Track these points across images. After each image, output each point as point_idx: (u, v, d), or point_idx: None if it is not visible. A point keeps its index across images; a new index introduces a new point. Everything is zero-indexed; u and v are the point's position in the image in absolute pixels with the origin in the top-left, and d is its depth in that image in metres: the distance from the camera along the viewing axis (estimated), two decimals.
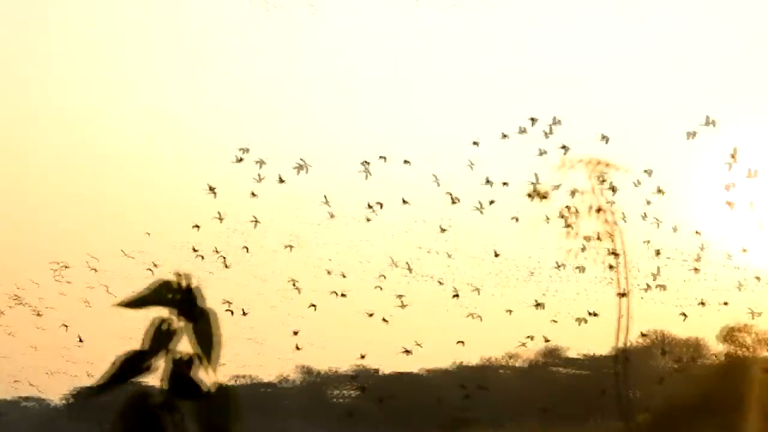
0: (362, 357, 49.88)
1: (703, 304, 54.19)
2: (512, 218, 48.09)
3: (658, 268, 52.25)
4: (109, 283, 59.76)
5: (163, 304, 2.26)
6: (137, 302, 2.25)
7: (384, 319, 56.24)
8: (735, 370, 60.43)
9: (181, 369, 2.25)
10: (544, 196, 37.76)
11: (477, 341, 75.41)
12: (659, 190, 48.88)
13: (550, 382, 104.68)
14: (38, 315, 64.82)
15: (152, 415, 2.27)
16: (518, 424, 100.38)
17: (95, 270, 61.24)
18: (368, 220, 48.80)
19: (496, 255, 53.96)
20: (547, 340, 63.06)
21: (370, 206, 47.50)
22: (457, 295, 53.01)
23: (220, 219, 50.58)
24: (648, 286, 52.58)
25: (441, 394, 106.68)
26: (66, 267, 61.96)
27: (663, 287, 53.00)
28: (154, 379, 2.26)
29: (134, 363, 2.25)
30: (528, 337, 60.15)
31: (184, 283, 2.26)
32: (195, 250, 55.85)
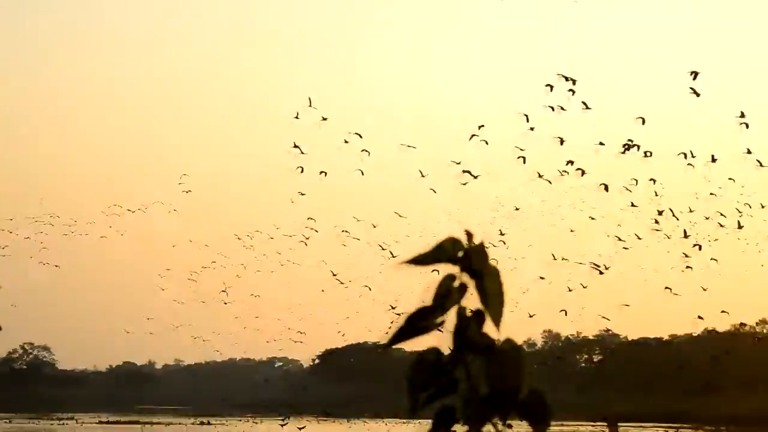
0: (607, 320, 48.94)
1: None
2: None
3: None
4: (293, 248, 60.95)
5: (448, 261, 2.29)
6: (422, 259, 2.29)
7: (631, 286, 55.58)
8: None
9: (466, 325, 2.29)
10: None
11: (724, 307, 73.32)
12: None
13: None
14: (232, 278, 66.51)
15: (440, 372, 2.31)
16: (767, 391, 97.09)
17: (272, 238, 62.63)
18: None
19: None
20: None
21: None
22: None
23: None
24: None
25: (688, 359, 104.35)
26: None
27: None
28: (441, 335, 2.30)
29: (420, 319, 2.29)
30: None
31: (468, 240, 2.29)
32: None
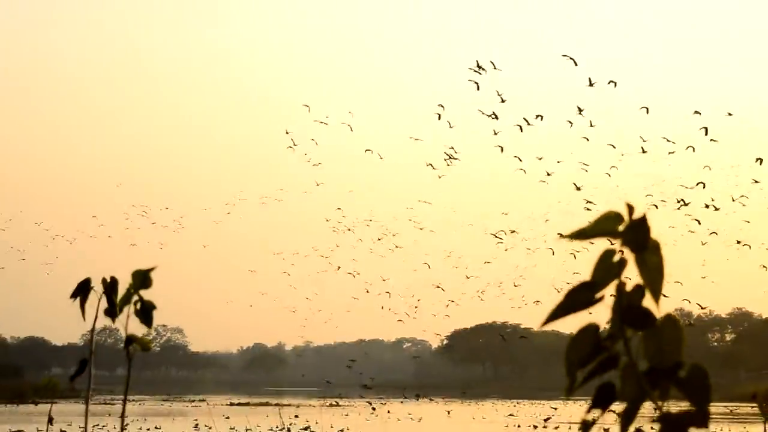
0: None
1: None
2: None
3: None
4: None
5: (609, 235, 2.26)
6: (583, 233, 2.26)
7: (765, 266, 54.66)
8: None
9: (628, 300, 2.25)
10: None
11: None
12: None
13: None
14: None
15: (599, 348, 2.28)
16: None
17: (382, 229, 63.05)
18: None
19: None
20: None
21: None
22: None
23: None
24: None
25: None
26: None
27: None
28: (602, 309, 2.26)
29: (582, 294, 2.26)
30: None
31: (631, 214, 2.25)
32: None
